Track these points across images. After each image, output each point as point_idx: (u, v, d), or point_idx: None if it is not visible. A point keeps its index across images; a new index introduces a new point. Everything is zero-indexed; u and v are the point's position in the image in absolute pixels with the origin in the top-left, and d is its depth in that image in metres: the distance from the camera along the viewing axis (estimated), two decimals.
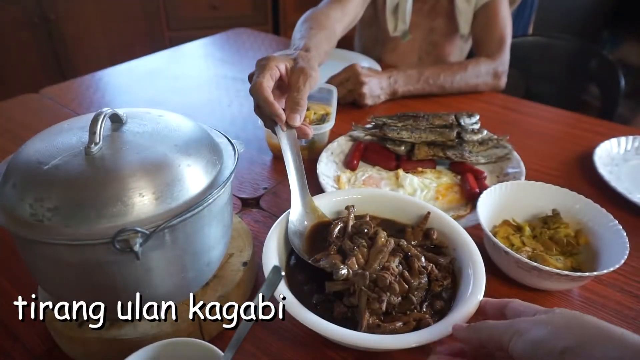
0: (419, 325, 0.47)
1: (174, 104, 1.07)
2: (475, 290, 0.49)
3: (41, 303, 0.49)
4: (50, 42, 2.09)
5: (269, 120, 0.62)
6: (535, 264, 0.53)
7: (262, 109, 0.61)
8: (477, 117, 0.88)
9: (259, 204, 0.74)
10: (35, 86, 1.15)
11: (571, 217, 0.64)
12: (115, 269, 0.41)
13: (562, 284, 0.56)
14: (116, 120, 0.46)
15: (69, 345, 0.48)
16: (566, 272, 0.53)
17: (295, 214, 0.57)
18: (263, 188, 0.78)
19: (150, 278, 0.44)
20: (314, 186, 0.76)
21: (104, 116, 0.42)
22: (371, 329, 0.47)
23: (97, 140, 0.41)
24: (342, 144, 0.86)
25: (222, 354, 0.40)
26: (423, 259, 0.53)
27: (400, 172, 0.78)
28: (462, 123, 0.85)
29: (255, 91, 0.60)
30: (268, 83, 0.61)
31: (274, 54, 0.67)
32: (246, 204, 0.74)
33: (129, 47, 2.32)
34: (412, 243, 0.57)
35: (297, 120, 0.60)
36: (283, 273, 0.41)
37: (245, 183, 0.79)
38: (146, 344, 0.41)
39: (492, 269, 0.61)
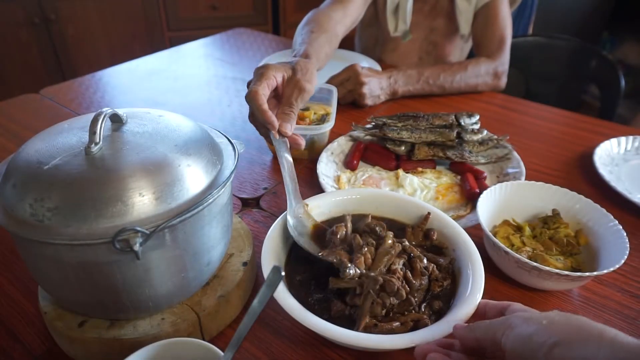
0: (417, 326, 0.47)
1: (174, 104, 1.07)
2: (474, 290, 0.49)
3: (41, 303, 0.49)
4: (50, 42, 2.09)
5: (263, 128, 0.64)
6: (535, 264, 0.53)
7: (256, 117, 0.63)
8: (477, 117, 0.88)
9: (259, 204, 0.74)
10: (36, 86, 1.15)
11: (571, 217, 0.64)
12: (115, 269, 0.41)
13: (562, 284, 0.56)
14: (116, 120, 0.46)
15: (69, 345, 0.48)
16: (566, 272, 0.53)
17: (291, 218, 0.57)
18: (263, 188, 0.78)
19: (151, 278, 0.44)
20: (314, 186, 0.76)
21: (104, 116, 0.42)
22: (368, 329, 0.47)
23: (97, 140, 0.41)
24: (342, 144, 0.86)
25: (222, 354, 0.40)
26: (425, 260, 0.53)
27: (400, 172, 0.78)
28: (462, 123, 0.85)
29: (251, 99, 0.62)
30: (264, 91, 0.63)
31: (268, 59, 0.69)
32: (246, 204, 0.74)
33: (129, 47, 2.32)
34: (412, 243, 0.57)
35: (289, 129, 0.62)
36: (283, 273, 0.41)
37: (245, 183, 0.79)
38: (146, 344, 0.41)
39: (492, 269, 0.61)
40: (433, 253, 0.56)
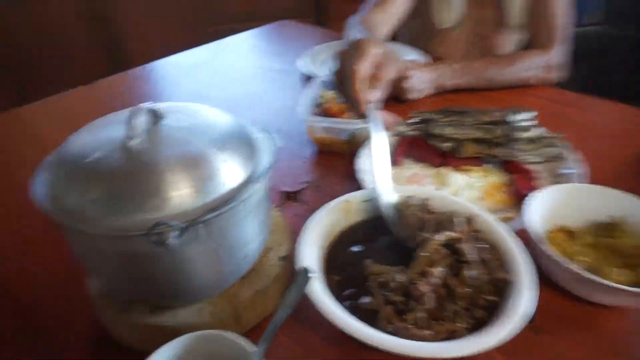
0: (452, 336, 0.45)
1: (219, 97, 1.09)
2: (519, 303, 0.46)
3: (89, 288, 0.51)
4: (101, 35, 2.19)
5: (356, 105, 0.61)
6: (590, 275, 0.49)
7: (346, 92, 0.61)
8: (529, 113, 0.82)
9: (299, 198, 0.74)
10: (89, 78, 1.21)
11: (637, 226, 0.59)
12: (152, 260, 0.42)
13: (622, 299, 0.51)
14: (155, 115, 0.47)
15: (114, 328, 0.50)
16: (625, 288, 0.48)
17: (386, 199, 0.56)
18: (304, 182, 0.77)
19: (187, 270, 0.44)
20: (354, 182, 0.74)
21: (143, 111, 0.43)
22: (398, 333, 0.45)
23: (136, 135, 0.42)
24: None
25: (256, 348, 0.40)
26: (475, 272, 0.49)
27: (446, 169, 0.75)
28: (512, 120, 0.80)
29: (350, 79, 0.60)
30: (365, 72, 0.60)
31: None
32: (286, 198, 0.74)
33: (176, 40, 2.38)
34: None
35: (372, 96, 0.61)
36: (311, 275, 0.40)
37: (285, 177, 0.79)
38: (185, 331, 0.42)
39: (541, 277, 0.56)
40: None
